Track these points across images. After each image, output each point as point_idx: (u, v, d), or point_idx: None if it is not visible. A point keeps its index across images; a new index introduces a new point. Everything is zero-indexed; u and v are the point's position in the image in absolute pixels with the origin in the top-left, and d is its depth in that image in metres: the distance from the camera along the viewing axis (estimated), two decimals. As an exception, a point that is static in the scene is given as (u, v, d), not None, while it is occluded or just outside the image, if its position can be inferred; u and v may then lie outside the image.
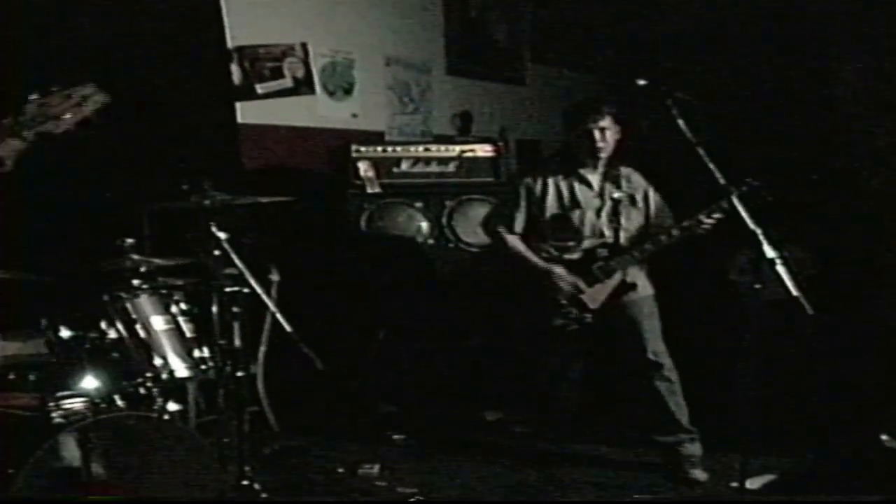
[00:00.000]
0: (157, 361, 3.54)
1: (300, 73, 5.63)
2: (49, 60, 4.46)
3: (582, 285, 4.32)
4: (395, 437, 4.92)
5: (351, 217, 5.27)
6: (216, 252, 3.66)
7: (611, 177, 4.41)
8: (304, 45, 5.63)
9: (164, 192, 3.92)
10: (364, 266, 5.23)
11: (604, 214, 4.39)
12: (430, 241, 5.36)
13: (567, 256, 4.38)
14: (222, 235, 3.65)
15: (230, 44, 5.32)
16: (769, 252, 3.28)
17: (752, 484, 3.81)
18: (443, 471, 4.45)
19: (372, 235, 5.26)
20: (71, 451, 2.89)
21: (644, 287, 4.40)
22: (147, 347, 3.54)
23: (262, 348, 4.59)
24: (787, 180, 3.86)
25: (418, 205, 5.36)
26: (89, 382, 3.29)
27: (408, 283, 5.26)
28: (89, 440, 2.90)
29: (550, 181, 4.44)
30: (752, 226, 3.37)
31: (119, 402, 3.34)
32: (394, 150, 5.50)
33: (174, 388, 3.69)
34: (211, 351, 3.73)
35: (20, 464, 2.75)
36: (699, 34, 6.50)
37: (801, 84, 6.09)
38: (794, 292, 3.23)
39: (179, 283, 3.84)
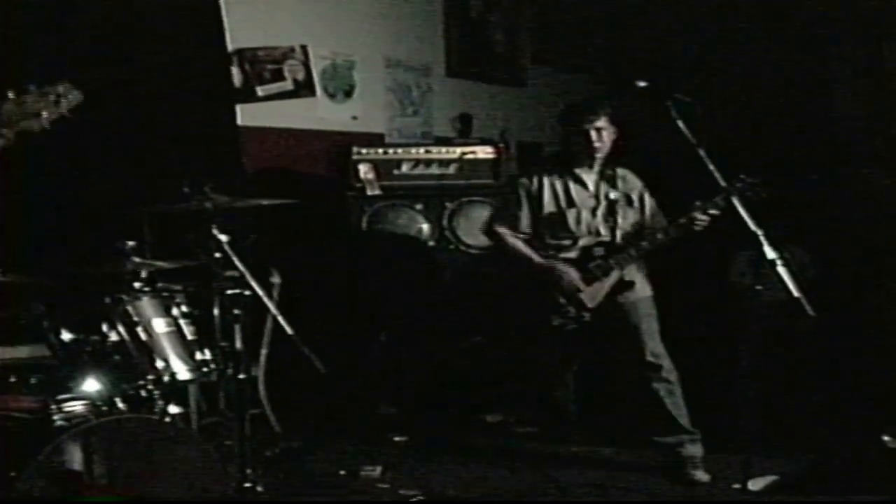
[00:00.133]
0: (159, 364, 3.54)
1: (300, 76, 5.63)
2: (49, 63, 4.47)
3: (580, 283, 4.33)
4: (397, 438, 4.92)
5: (351, 219, 5.27)
6: (217, 254, 3.66)
7: (606, 177, 4.44)
8: (304, 48, 5.64)
9: (165, 195, 3.93)
10: (365, 268, 5.23)
11: (599, 214, 4.41)
12: (431, 243, 5.35)
13: (564, 255, 4.39)
14: (223, 238, 3.65)
15: (230, 46, 5.32)
16: (770, 253, 3.29)
17: (754, 485, 3.80)
18: (444, 472, 4.45)
19: (373, 237, 5.26)
20: (72, 453, 2.89)
21: (643, 288, 4.41)
22: (148, 350, 3.54)
23: (264, 350, 4.59)
24: (788, 181, 3.86)
25: (419, 207, 5.36)
26: (91, 385, 3.29)
27: (408, 285, 5.26)
28: (91, 443, 2.90)
29: (546, 180, 4.47)
30: (752, 227, 3.37)
31: (120, 405, 3.34)
32: (394, 153, 5.50)
33: (176, 390, 3.69)
34: (212, 353, 3.73)
35: (22, 466, 2.76)
36: (699, 35, 6.50)
37: (800, 84, 6.09)
38: (795, 293, 3.24)
39: (180, 285, 3.83)
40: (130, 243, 3.70)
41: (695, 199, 4.15)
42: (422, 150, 5.57)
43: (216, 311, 3.78)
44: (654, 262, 4.44)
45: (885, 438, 4.10)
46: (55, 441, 2.85)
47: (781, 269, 3.26)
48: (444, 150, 5.59)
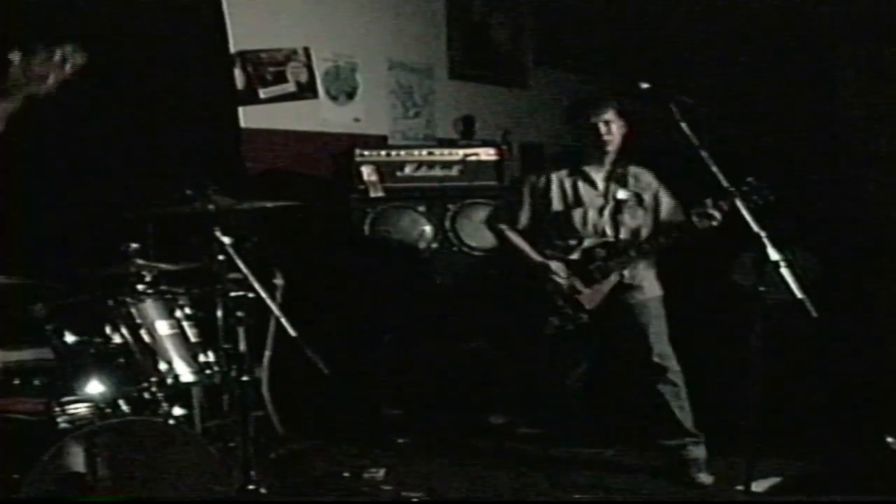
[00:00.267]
0: (162, 366, 3.54)
1: (303, 78, 5.64)
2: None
3: (579, 285, 4.32)
4: (400, 440, 4.92)
5: (354, 221, 5.27)
6: (220, 257, 3.66)
7: (616, 176, 4.38)
8: (306, 50, 5.64)
9: (168, 197, 3.93)
10: (368, 270, 5.23)
11: (606, 214, 4.37)
12: (434, 245, 5.35)
13: (566, 256, 4.37)
14: (226, 240, 3.65)
15: (233, 48, 5.33)
16: (773, 254, 3.29)
17: (758, 487, 3.80)
18: (447, 474, 4.45)
19: (375, 239, 5.25)
20: (76, 456, 2.89)
21: (652, 288, 4.38)
22: (152, 352, 3.54)
23: (267, 353, 4.59)
24: (791, 182, 3.86)
25: (421, 209, 5.35)
26: (94, 387, 3.30)
27: (411, 287, 5.26)
28: (94, 445, 2.90)
29: (554, 178, 4.44)
30: (756, 228, 3.37)
31: (124, 407, 3.34)
32: (397, 154, 5.50)
33: (179, 392, 3.69)
34: (216, 355, 3.73)
35: (26, 468, 2.76)
36: (701, 37, 6.51)
37: (803, 86, 6.09)
38: (799, 294, 3.24)
39: (184, 288, 3.84)
40: (134, 246, 3.70)
41: (697, 201, 4.14)
42: (424, 151, 5.56)
43: (219, 314, 3.79)
44: (659, 264, 4.43)
45: (889, 440, 4.10)
46: (59, 443, 2.85)
47: (785, 271, 3.26)
48: (446, 151, 5.58)
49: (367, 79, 5.93)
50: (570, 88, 6.75)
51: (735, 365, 3.71)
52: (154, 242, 4.18)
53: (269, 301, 3.63)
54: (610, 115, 4.30)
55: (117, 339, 3.49)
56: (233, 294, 3.69)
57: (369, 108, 5.96)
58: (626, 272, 4.33)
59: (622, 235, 4.35)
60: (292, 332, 3.52)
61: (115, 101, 4.70)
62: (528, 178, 4.55)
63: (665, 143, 3.85)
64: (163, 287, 3.78)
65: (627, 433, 4.78)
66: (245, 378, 3.72)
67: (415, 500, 4.06)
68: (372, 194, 5.33)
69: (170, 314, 3.66)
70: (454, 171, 5.52)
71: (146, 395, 3.47)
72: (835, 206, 5.70)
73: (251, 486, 3.61)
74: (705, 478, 4.23)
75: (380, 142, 5.88)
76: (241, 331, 3.70)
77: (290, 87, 5.60)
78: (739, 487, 3.71)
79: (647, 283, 4.37)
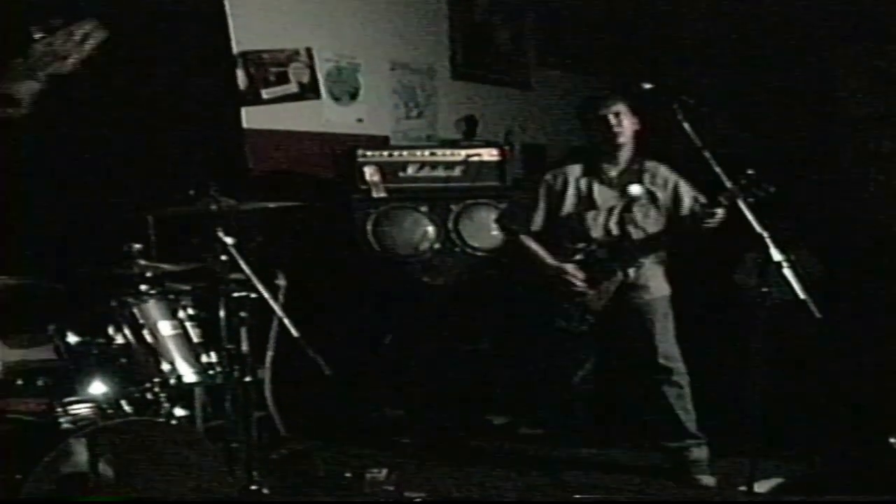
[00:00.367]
0: (165, 366, 3.54)
1: (305, 79, 5.64)
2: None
3: (585, 286, 4.29)
4: (402, 441, 4.92)
5: (357, 222, 5.27)
6: (223, 257, 3.66)
7: (632, 172, 4.30)
8: (309, 51, 5.64)
9: (171, 198, 3.93)
10: (370, 270, 5.23)
11: (616, 213, 4.31)
12: (436, 246, 5.35)
13: (575, 257, 4.34)
14: (229, 240, 3.65)
15: (235, 49, 5.33)
16: (776, 255, 3.28)
17: (761, 487, 3.80)
18: (450, 475, 4.45)
19: (378, 239, 5.25)
20: (78, 456, 2.89)
21: (659, 287, 4.34)
22: (154, 353, 3.55)
23: (270, 353, 4.59)
24: (792, 183, 3.86)
25: (424, 209, 5.36)
26: (97, 388, 3.30)
27: (413, 288, 5.26)
28: (97, 445, 2.91)
29: (571, 179, 4.37)
30: (758, 229, 3.37)
31: (126, 408, 3.34)
32: (399, 155, 5.50)
33: (181, 393, 3.69)
34: (218, 356, 3.73)
35: (28, 469, 2.76)
36: (703, 37, 6.51)
37: (805, 88, 6.09)
38: (802, 295, 3.24)
39: (186, 288, 3.84)
40: (136, 246, 3.71)
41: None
42: (427, 152, 5.56)
43: (222, 314, 3.79)
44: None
45: (892, 440, 4.09)
46: (61, 444, 2.85)
47: (787, 271, 3.26)
48: (449, 152, 5.58)
49: (369, 79, 5.93)
50: (572, 89, 6.75)
51: (737, 365, 3.71)
52: (156, 243, 4.19)
53: (271, 301, 3.64)
54: (620, 107, 4.22)
55: (120, 340, 3.50)
56: (235, 294, 3.69)
57: (372, 109, 5.96)
58: (630, 272, 4.29)
59: (631, 234, 4.29)
60: (294, 333, 3.52)
61: (117, 101, 4.70)
62: (544, 178, 4.46)
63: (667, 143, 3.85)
64: (165, 287, 3.78)
65: (630, 434, 4.77)
66: (247, 378, 3.72)
67: (417, 500, 4.05)
68: (374, 195, 5.33)
69: (172, 314, 3.67)
70: (456, 172, 5.52)
71: (148, 396, 3.47)
72: (836, 207, 5.70)
73: (253, 487, 3.61)
74: (708, 479, 4.22)
75: (382, 142, 5.88)
76: (243, 331, 3.70)
77: (292, 87, 5.60)
78: (742, 488, 3.70)
79: (654, 282, 4.33)
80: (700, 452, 4.27)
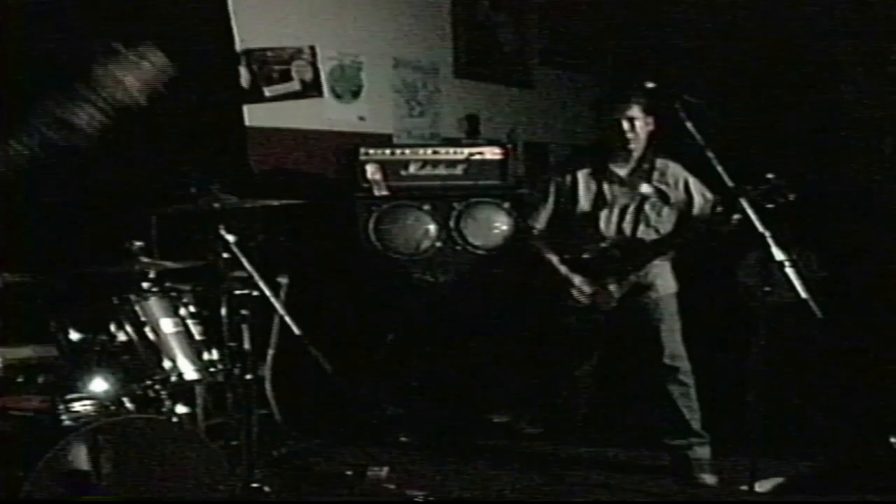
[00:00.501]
0: (166, 364, 3.55)
1: (308, 76, 5.64)
2: (53, 63, 4.48)
3: (595, 289, 4.28)
4: (403, 439, 4.92)
5: (359, 220, 5.27)
6: (225, 255, 3.67)
7: (642, 171, 4.28)
8: (311, 48, 5.64)
9: (173, 196, 3.93)
10: (372, 268, 5.23)
11: (629, 213, 4.29)
12: (438, 244, 5.35)
13: (585, 256, 4.32)
14: (231, 238, 3.66)
15: (238, 47, 5.33)
16: (778, 254, 3.28)
17: (762, 487, 3.80)
18: (450, 473, 4.45)
19: (380, 237, 5.26)
20: (80, 453, 2.89)
21: (666, 285, 4.32)
22: (156, 350, 3.55)
23: (271, 351, 4.60)
24: (794, 182, 3.85)
25: (426, 207, 5.35)
26: (98, 385, 3.31)
27: (415, 286, 5.26)
28: (98, 443, 2.91)
29: (581, 177, 4.35)
30: (760, 228, 3.37)
31: (128, 405, 3.35)
32: (402, 153, 5.50)
33: (183, 390, 3.70)
34: (220, 353, 3.74)
35: (29, 466, 2.76)
36: (706, 37, 6.50)
37: (807, 88, 6.08)
38: (803, 294, 3.23)
39: (188, 286, 3.84)
40: (138, 243, 3.71)
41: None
42: (429, 150, 5.56)
43: (224, 312, 3.79)
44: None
45: (893, 440, 4.10)
46: (63, 441, 2.86)
47: (789, 271, 3.25)
48: (451, 150, 5.57)
49: (372, 77, 5.93)
50: (575, 88, 6.75)
51: (739, 364, 3.71)
52: (158, 240, 4.19)
53: (273, 299, 3.64)
54: (634, 111, 4.18)
55: (122, 337, 3.50)
56: (237, 292, 3.69)
57: (374, 107, 5.96)
58: (642, 273, 4.28)
59: (643, 233, 4.28)
60: (296, 331, 3.53)
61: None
62: (553, 176, 4.45)
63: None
64: (167, 285, 3.78)
65: (631, 432, 4.77)
66: (249, 376, 3.73)
67: (418, 499, 4.05)
68: (376, 193, 5.33)
69: (174, 312, 3.67)
70: (459, 170, 5.51)
71: (150, 393, 3.48)
72: (839, 206, 5.69)
73: (254, 485, 3.62)
74: (709, 478, 4.22)
75: (384, 140, 5.87)
76: (245, 329, 3.70)
77: (295, 85, 5.60)
78: (743, 487, 3.70)
79: (662, 280, 4.31)
80: (703, 451, 4.27)
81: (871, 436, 4.31)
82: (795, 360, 4.71)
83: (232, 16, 5.22)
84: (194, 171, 4.06)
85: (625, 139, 4.22)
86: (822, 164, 5.86)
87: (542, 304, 4.51)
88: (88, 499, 2.87)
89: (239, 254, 3.62)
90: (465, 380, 5.23)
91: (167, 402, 3.51)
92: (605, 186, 4.32)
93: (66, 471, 2.85)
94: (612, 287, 4.27)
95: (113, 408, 3.24)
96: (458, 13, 6.42)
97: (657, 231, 4.29)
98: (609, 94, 4.39)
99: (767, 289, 3.36)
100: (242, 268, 3.62)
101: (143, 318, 3.56)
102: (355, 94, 5.87)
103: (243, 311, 3.69)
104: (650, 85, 3.73)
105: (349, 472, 4.40)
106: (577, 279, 4.29)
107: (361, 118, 5.90)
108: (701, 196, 4.27)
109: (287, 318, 3.61)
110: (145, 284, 3.68)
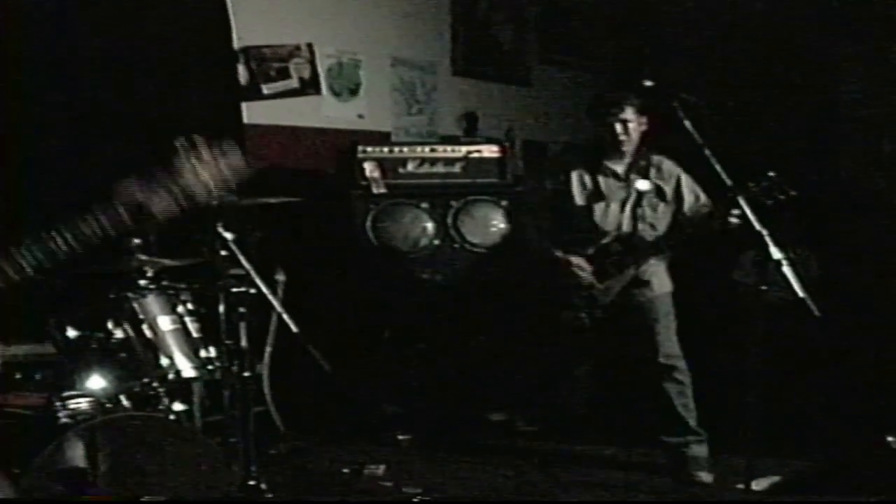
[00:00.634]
0: (164, 361, 3.55)
1: (306, 74, 5.63)
2: (53, 63, 4.48)
3: (594, 280, 4.29)
4: (401, 437, 4.93)
5: (357, 217, 5.27)
6: (222, 252, 3.66)
7: (638, 167, 4.31)
8: (310, 46, 5.63)
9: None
10: (369, 266, 5.23)
11: (627, 208, 4.31)
12: (436, 242, 5.35)
13: (583, 250, 4.33)
14: (228, 236, 3.65)
15: (236, 44, 5.33)
16: (775, 253, 3.28)
17: (758, 485, 3.80)
18: (448, 471, 4.46)
19: (377, 235, 5.25)
20: (77, 451, 2.89)
21: (662, 284, 4.34)
22: (153, 347, 3.55)
23: (268, 349, 4.60)
24: (792, 181, 3.85)
25: (424, 205, 5.35)
26: (96, 382, 3.30)
27: (413, 284, 5.26)
28: (95, 440, 2.91)
29: (575, 173, 4.37)
30: (757, 226, 3.37)
31: (125, 402, 3.35)
32: (400, 151, 5.49)
33: (180, 388, 3.69)
34: (217, 351, 3.74)
35: (26, 463, 2.76)
36: (705, 35, 6.50)
37: (805, 87, 6.08)
38: (800, 293, 3.23)
39: (186, 283, 3.84)
40: (136, 241, 3.70)
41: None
42: (427, 148, 5.55)
43: (221, 309, 3.79)
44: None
45: (890, 439, 4.10)
46: (60, 438, 2.86)
47: (786, 270, 3.25)
48: (449, 148, 5.57)
49: (370, 75, 5.93)
50: (573, 86, 6.75)
51: (736, 363, 3.71)
52: (156, 237, 4.19)
53: (270, 297, 3.64)
54: (628, 113, 4.23)
55: (119, 334, 3.50)
56: (235, 290, 3.69)
57: (372, 105, 5.96)
58: (641, 268, 4.29)
59: (641, 229, 4.29)
60: (294, 328, 3.53)
61: (117, 95, 4.71)
62: (548, 172, 4.52)
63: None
64: (165, 282, 3.78)
65: (628, 430, 4.77)
66: (246, 374, 3.72)
67: (416, 499, 4.06)
68: (374, 191, 5.33)
69: (172, 309, 3.67)
70: (457, 168, 5.51)
71: (148, 391, 3.48)
72: (837, 205, 5.69)
73: (251, 482, 3.61)
74: (705, 476, 4.23)
75: (382, 138, 5.87)
76: (242, 326, 3.70)
77: (293, 83, 5.60)
78: (739, 486, 3.71)
79: (657, 278, 4.33)
80: (699, 449, 4.28)
81: (868, 435, 4.31)
82: (793, 359, 4.71)
83: (230, 13, 5.21)
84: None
85: (617, 142, 4.26)
86: (821, 163, 5.87)
87: (540, 302, 4.51)
88: (88, 499, 2.87)
89: (236, 251, 3.62)
90: (463, 378, 5.23)
91: (164, 400, 3.51)
92: (602, 182, 4.34)
93: (63, 468, 2.85)
94: (615, 280, 4.27)
95: (110, 405, 3.24)
96: (457, 11, 6.42)
97: (654, 227, 4.30)
98: (602, 98, 4.40)
99: (764, 287, 3.35)
100: (240, 265, 3.61)
101: (140, 316, 3.57)
102: (353, 92, 5.87)
103: (241, 309, 3.69)
104: (648, 83, 3.73)
105: (346, 470, 4.41)
106: (575, 259, 4.28)
107: (360, 116, 5.89)
108: (693, 195, 4.31)
109: (285, 316, 3.61)
110: (143, 282, 3.68)
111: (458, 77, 6.43)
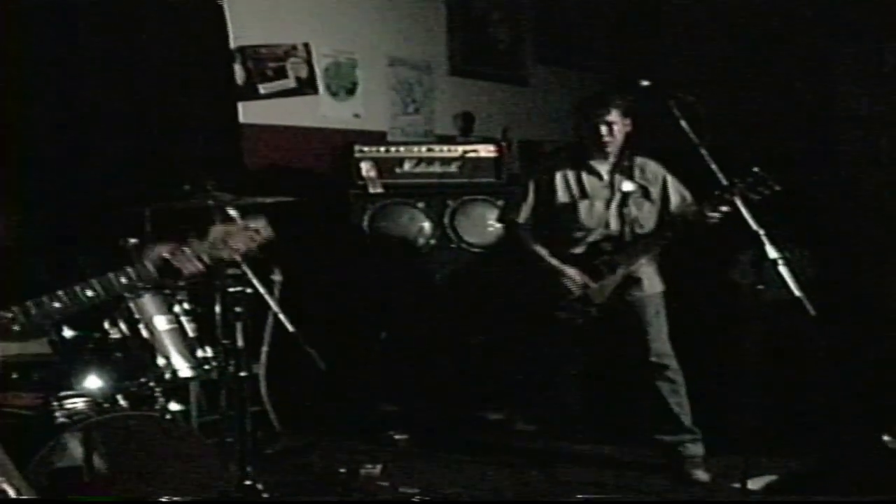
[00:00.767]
0: (160, 361, 3.55)
1: (303, 74, 5.63)
2: (53, 65, 4.48)
3: (587, 280, 4.30)
4: (397, 436, 4.92)
5: (353, 217, 5.27)
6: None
7: (622, 168, 4.35)
8: (306, 46, 5.63)
9: (167, 193, 3.93)
10: (366, 265, 5.23)
11: (612, 207, 4.34)
12: (432, 242, 5.35)
13: (573, 250, 4.35)
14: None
15: (233, 44, 5.32)
16: (772, 252, 3.29)
17: (754, 484, 3.81)
18: (444, 470, 4.46)
19: (374, 235, 5.26)
20: (74, 450, 2.89)
21: (653, 284, 4.36)
22: (150, 347, 3.55)
23: (265, 348, 4.59)
24: (789, 181, 3.85)
25: (420, 205, 5.36)
26: (92, 382, 3.30)
27: (410, 283, 5.26)
28: (92, 440, 2.90)
29: (559, 173, 4.41)
30: (754, 226, 3.37)
31: (122, 402, 3.34)
32: (396, 151, 5.50)
33: (177, 387, 3.69)
34: (214, 351, 3.74)
35: (23, 463, 2.76)
36: (702, 35, 6.51)
37: (802, 85, 6.09)
38: (797, 293, 3.24)
39: (182, 283, 3.83)
40: (132, 240, 3.70)
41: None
42: (424, 148, 5.56)
43: (217, 309, 3.79)
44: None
45: (886, 439, 4.10)
46: (56, 438, 2.85)
47: (783, 269, 3.26)
48: (446, 148, 5.58)
49: (366, 75, 5.93)
50: (569, 86, 6.75)
51: (733, 362, 3.72)
52: (153, 237, 4.18)
53: (267, 297, 3.64)
54: (613, 115, 4.26)
55: (115, 334, 3.50)
56: (231, 289, 3.68)
57: (369, 105, 5.96)
58: (632, 266, 4.30)
59: (628, 228, 4.32)
60: (290, 328, 3.53)
61: (114, 95, 4.70)
62: (532, 173, 4.55)
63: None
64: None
65: (625, 429, 4.78)
66: (242, 373, 3.72)
67: (415, 499, 4.05)
68: (371, 190, 5.33)
69: (168, 309, 3.67)
70: (453, 168, 5.52)
71: (144, 390, 3.47)
72: (834, 205, 5.70)
73: (248, 482, 3.61)
74: (702, 475, 4.23)
75: (379, 138, 5.87)
76: (238, 326, 3.69)
77: (289, 82, 5.60)
78: (736, 485, 3.71)
79: (648, 279, 4.35)
80: (695, 448, 4.28)
81: (864, 433, 4.32)
82: (789, 358, 4.71)
83: (227, 12, 5.21)
84: (189, 167, 4.06)
85: (602, 143, 4.29)
86: (817, 162, 5.88)
87: (535, 301, 4.51)
88: (87, 499, 2.87)
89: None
90: (460, 377, 5.23)
91: (161, 400, 3.51)
92: (586, 182, 4.38)
93: (59, 468, 2.84)
94: (607, 279, 4.29)
95: (107, 405, 3.23)
96: (453, 11, 6.42)
97: (641, 226, 4.33)
98: (587, 99, 4.42)
99: (761, 287, 3.36)
100: (236, 265, 3.61)
101: (137, 315, 3.56)
102: (350, 92, 5.87)
103: (237, 309, 3.68)
104: (645, 83, 3.74)
105: (343, 470, 4.40)
106: (569, 270, 4.31)
107: (356, 115, 5.89)
108: (679, 195, 4.34)
109: (281, 316, 3.61)
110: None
111: (455, 77, 6.43)
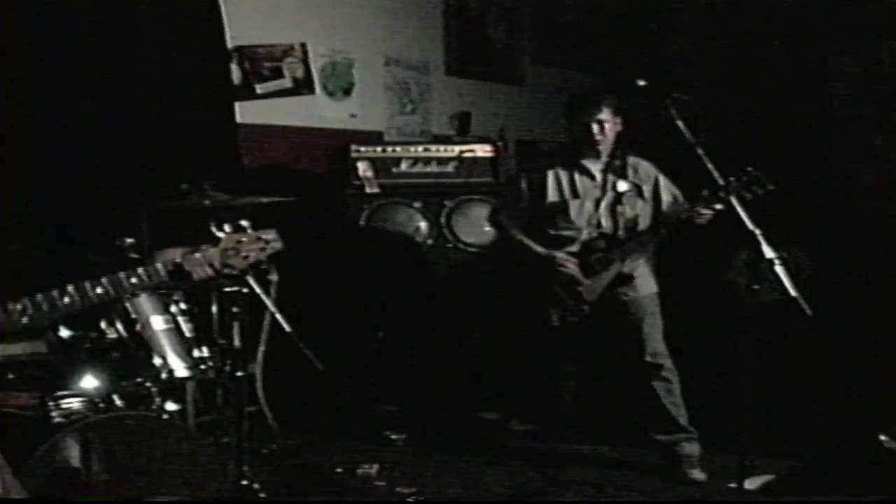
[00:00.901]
0: (157, 361, 3.55)
1: (299, 74, 5.63)
2: (51, 65, 4.47)
3: (580, 276, 4.30)
4: (394, 436, 4.92)
5: (350, 217, 5.27)
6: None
7: (614, 167, 4.37)
8: (303, 46, 5.63)
9: (164, 192, 3.93)
10: (363, 265, 5.23)
11: (604, 206, 4.35)
12: (429, 242, 5.35)
13: (565, 249, 4.36)
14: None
15: (230, 44, 5.32)
16: (768, 252, 3.29)
17: (751, 484, 3.81)
18: (441, 470, 4.45)
19: (371, 235, 5.26)
20: (70, 450, 2.89)
21: (647, 285, 4.37)
22: (146, 347, 3.55)
23: (261, 348, 4.59)
24: (786, 180, 3.86)
25: (417, 205, 5.36)
26: (89, 382, 3.30)
27: (406, 283, 5.26)
28: (88, 439, 2.90)
29: (550, 172, 4.42)
30: (750, 226, 3.37)
31: (118, 402, 3.34)
32: (393, 151, 5.50)
33: (173, 387, 3.69)
34: (210, 350, 3.74)
35: (19, 463, 2.75)
36: (698, 34, 6.51)
37: (798, 83, 6.09)
38: (793, 292, 3.24)
39: (179, 282, 3.83)
40: (129, 240, 3.70)
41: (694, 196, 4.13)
42: (420, 148, 5.56)
43: (214, 309, 3.78)
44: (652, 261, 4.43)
45: (883, 438, 4.11)
46: (53, 438, 2.85)
47: (779, 269, 3.26)
48: (442, 148, 5.58)
49: (363, 75, 5.93)
50: (566, 85, 6.75)
51: (729, 362, 3.71)
52: (149, 237, 4.18)
53: (263, 296, 3.63)
54: (604, 114, 4.28)
55: (112, 334, 3.50)
56: (227, 289, 3.68)
57: (365, 104, 5.96)
58: (627, 263, 4.31)
59: (621, 226, 4.33)
60: (287, 328, 3.52)
61: (111, 95, 4.70)
62: (524, 173, 4.57)
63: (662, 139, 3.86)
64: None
65: (621, 429, 4.78)
66: (239, 373, 3.72)
67: (411, 499, 4.05)
68: (368, 190, 5.33)
69: (165, 309, 3.67)
70: (450, 168, 5.52)
71: (141, 390, 3.47)
72: (830, 204, 5.70)
73: (244, 482, 3.61)
74: (698, 475, 4.23)
75: (376, 138, 5.87)
76: (235, 326, 3.69)
77: (286, 82, 5.60)
78: (732, 485, 3.71)
79: (642, 279, 4.36)
80: (691, 447, 4.28)
81: (861, 433, 4.32)
82: (786, 358, 4.72)
83: (223, 12, 5.20)
84: (186, 167, 4.06)
85: (594, 141, 4.31)
86: (814, 161, 5.88)
87: (531, 301, 4.51)
88: (86, 499, 2.87)
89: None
90: (456, 377, 5.23)
91: (157, 399, 3.51)
92: (577, 177, 4.39)
93: (56, 468, 2.84)
94: (600, 275, 4.30)
95: (103, 405, 3.23)
96: (450, 10, 6.42)
97: (634, 223, 4.35)
98: (578, 98, 4.44)
99: (757, 286, 3.36)
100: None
101: (133, 315, 3.56)
102: (347, 92, 5.87)
103: (234, 309, 3.68)
104: (641, 82, 3.74)
105: (340, 470, 4.40)
106: (559, 255, 4.32)
107: (353, 115, 5.89)
108: (670, 195, 4.37)
109: (278, 316, 3.61)
110: (134, 280, 3.66)
111: (452, 76, 6.44)
